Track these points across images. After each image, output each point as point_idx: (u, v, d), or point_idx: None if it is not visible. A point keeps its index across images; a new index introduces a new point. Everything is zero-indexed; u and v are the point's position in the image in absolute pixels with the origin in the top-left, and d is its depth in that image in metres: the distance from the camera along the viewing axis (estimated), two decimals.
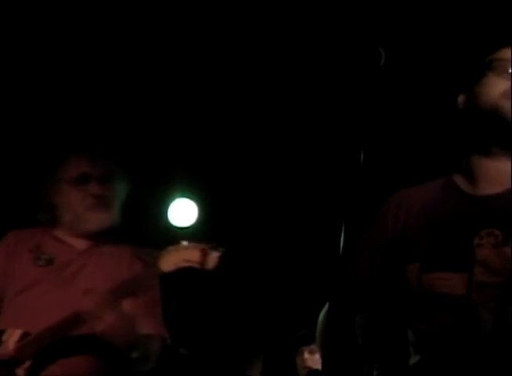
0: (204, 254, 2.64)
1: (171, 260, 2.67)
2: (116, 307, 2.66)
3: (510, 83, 1.92)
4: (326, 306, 2.17)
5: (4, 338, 2.74)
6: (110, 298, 2.65)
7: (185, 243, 2.69)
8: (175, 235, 4.13)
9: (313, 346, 4.05)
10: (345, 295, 1.52)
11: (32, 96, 3.87)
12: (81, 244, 2.93)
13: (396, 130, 3.67)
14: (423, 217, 2.04)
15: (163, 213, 4.24)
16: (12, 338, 2.73)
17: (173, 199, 4.31)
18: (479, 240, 1.94)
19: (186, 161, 4.27)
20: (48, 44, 3.61)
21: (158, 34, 3.58)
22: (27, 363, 2.68)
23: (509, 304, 1.79)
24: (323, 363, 1.56)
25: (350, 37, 2.98)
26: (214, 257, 2.65)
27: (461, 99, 2.09)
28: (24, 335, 2.72)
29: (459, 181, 2.06)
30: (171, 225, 4.30)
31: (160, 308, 2.87)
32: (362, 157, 1.55)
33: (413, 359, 1.98)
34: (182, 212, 4.37)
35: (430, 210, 2.06)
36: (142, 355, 2.77)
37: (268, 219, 4.29)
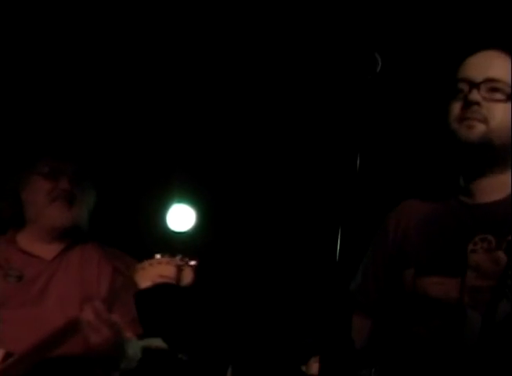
0: (179, 270, 2.62)
1: (147, 276, 2.64)
2: (109, 319, 2.64)
3: (462, 104, 2.00)
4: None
5: None
6: (106, 310, 2.64)
7: (158, 256, 2.66)
8: (173, 240, 4.13)
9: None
10: (342, 300, 1.54)
11: (21, 93, 3.83)
12: (47, 254, 2.89)
13: (393, 135, 3.67)
14: (421, 225, 2.11)
15: (161, 218, 4.23)
16: None
17: (171, 204, 4.31)
18: (473, 245, 2.00)
19: (184, 167, 4.27)
20: (42, 43, 3.60)
21: (156, 38, 3.58)
22: None
23: (497, 304, 1.81)
24: (321, 368, 1.58)
25: (346, 43, 2.99)
26: (188, 273, 2.63)
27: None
28: (7, 355, 2.66)
29: (460, 193, 2.13)
30: (169, 230, 4.30)
31: (132, 305, 2.80)
32: (358, 161, 1.57)
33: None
34: (180, 217, 4.38)
35: (429, 218, 2.12)
36: (127, 364, 2.78)
37: (266, 224, 4.29)
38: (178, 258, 2.67)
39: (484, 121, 2.03)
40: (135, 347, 2.83)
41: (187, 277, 2.63)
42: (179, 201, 4.42)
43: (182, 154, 4.22)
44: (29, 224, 2.96)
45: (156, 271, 2.64)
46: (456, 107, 2.06)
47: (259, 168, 4.19)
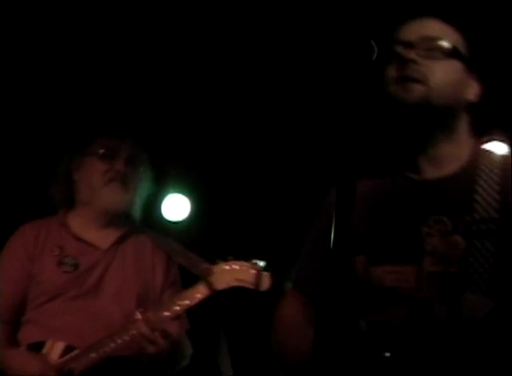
0: (259, 275, 2.62)
1: (225, 279, 2.63)
2: (164, 331, 2.58)
3: (398, 65, 1.86)
4: None
5: (45, 350, 2.64)
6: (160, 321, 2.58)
7: (232, 259, 2.65)
8: (168, 229, 4.13)
9: None
10: (337, 289, 1.49)
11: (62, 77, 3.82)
12: (102, 242, 2.83)
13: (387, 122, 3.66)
14: (369, 206, 1.95)
15: (156, 208, 4.23)
16: (55, 351, 2.63)
17: (166, 194, 4.31)
18: (427, 228, 1.86)
19: (179, 157, 4.27)
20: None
21: (151, 31, 3.57)
22: None
23: (461, 296, 1.74)
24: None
25: (342, 31, 2.97)
26: (267, 278, 2.63)
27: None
28: (67, 349, 2.63)
29: (406, 169, 1.98)
30: (164, 220, 4.30)
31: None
32: (352, 150, 1.53)
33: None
34: (175, 207, 4.38)
35: (376, 199, 1.98)
36: (183, 363, 2.82)
37: (260, 214, 4.29)
38: (255, 262, 2.67)
39: (423, 80, 1.87)
40: (188, 346, 2.85)
41: (266, 282, 2.62)
42: (174, 191, 4.43)
43: (176, 144, 4.22)
44: (81, 206, 2.88)
45: (234, 275, 2.64)
46: (392, 69, 1.90)
47: (254, 158, 4.18)
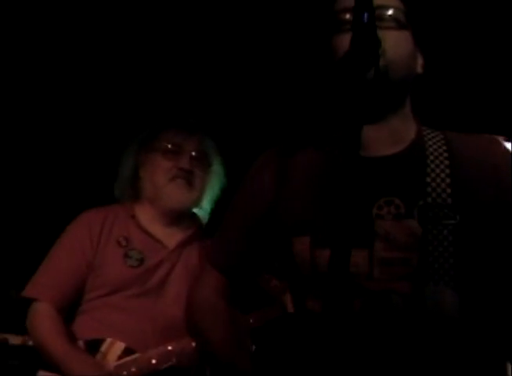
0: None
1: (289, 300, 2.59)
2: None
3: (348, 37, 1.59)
4: None
5: (103, 348, 2.53)
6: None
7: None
8: None
9: None
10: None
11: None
12: (169, 240, 2.73)
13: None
14: (309, 183, 1.84)
15: None
16: (114, 351, 2.53)
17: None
18: (378, 210, 1.76)
19: None
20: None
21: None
22: None
23: (423, 289, 1.66)
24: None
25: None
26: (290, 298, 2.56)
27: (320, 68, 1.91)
28: (126, 350, 2.52)
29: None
30: None
31: None
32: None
33: None
34: None
35: (317, 175, 1.84)
36: None
37: None
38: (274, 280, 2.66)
39: (382, 52, 1.64)
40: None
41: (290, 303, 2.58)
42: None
43: None
44: (146, 202, 2.78)
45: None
46: (345, 40, 1.72)
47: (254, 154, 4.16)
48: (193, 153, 2.75)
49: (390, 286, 1.68)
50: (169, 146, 2.75)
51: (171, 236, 2.75)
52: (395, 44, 1.79)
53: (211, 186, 2.82)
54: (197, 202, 2.78)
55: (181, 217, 2.77)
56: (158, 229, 2.75)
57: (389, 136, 1.82)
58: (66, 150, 3.93)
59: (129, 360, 2.54)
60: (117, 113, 3.88)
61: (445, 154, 1.80)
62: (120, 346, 2.54)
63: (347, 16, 1.79)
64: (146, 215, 2.76)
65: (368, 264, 1.71)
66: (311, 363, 1.68)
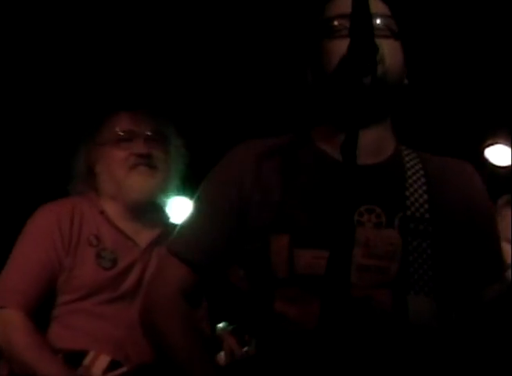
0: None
1: None
2: None
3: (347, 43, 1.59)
4: None
5: (86, 362, 2.36)
6: None
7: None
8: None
9: None
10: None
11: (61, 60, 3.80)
12: (141, 239, 2.56)
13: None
14: (293, 184, 1.81)
15: None
16: (99, 364, 2.36)
17: (170, 197, 4.30)
18: (359, 216, 1.76)
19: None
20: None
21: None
22: None
23: (404, 298, 1.69)
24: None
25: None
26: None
27: (308, 73, 1.92)
28: (112, 364, 2.37)
29: (329, 150, 1.85)
30: None
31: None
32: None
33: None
34: (180, 210, 4.37)
35: (301, 179, 1.83)
36: None
37: None
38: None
39: (381, 58, 1.74)
40: None
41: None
42: (179, 194, 4.41)
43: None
44: (108, 198, 2.60)
45: None
46: (339, 46, 1.77)
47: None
48: (148, 134, 2.57)
49: (369, 293, 1.70)
50: (120, 133, 2.56)
51: (142, 233, 2.58)
52: (391, 52, 1.83)
53: (175, 164, 2.66)
54: (164, 187, 2.62)
55: (149, 209, 2.59)
56: (127, 225, 2.56)
57: (371, 145, 1.83)
58: (9, 147, 3.85)
59: (115, 373, 2.40)
60: (62, 105, 3.80)
61: (422, 172, 1.85)
62: (105, 359, 2.38)
63: (342, 22, 1.80)
64: (113, 210, 2.57)
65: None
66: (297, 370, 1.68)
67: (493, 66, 3.91)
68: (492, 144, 5.00)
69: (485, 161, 4.93)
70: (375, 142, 1.85)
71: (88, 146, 2.64)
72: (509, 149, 5.01)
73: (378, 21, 1.82)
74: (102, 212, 2.57)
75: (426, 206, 1.80)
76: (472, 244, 1.86)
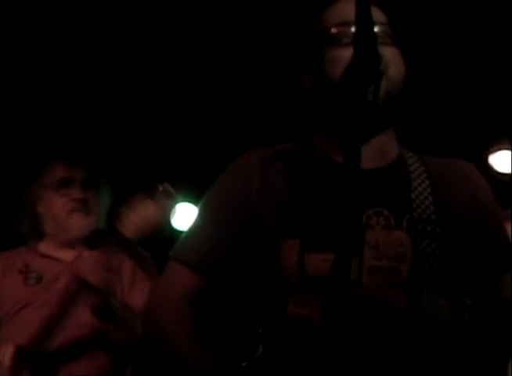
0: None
1: None
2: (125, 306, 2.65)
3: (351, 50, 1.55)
4: None
5: None
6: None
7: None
8: (177, 238, 4.13)
9: None
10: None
11: (14, 100, 3.87)
12: (67, 255, 2.85)
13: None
14: (299, 188, 1.80)
15: None
16: (7, 353, 2.58)
17: (175, 203, 4.32)
18: (367, 219, 1.77)
19: (188, 166, 4.27)
20: (37, 46, 3.65)
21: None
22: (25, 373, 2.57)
23: (418, 299, 1.70)
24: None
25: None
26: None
27: (307, 80, 1.90)
28: (18, 348, 2.59)
29: (333, 154, 1.85)
30: (174, 229, 4.31)
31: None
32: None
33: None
34: (184, 216, 4.39)
35: (307, 182, 1.82)
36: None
37: None
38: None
39: (384, 69, 1.65)
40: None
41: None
42: (183, 200, 4.43)
43: (184, 153, 4.23)
44: (49, 235, 2.93)
45: None
46: (340, 54, 1.76)
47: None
48: (83, 180, 2.89)
49: (381, 293, 1.71)
50: (59, 180, 2.88)
51: (70, 252, 2.86)
52: (394, 60, 1.81)
53: (105, 204, 2.95)
54: (97, 223, 2.90)
55: (84, 240, 2.89)
56: (59, 251, 2.88)
57: (375, 151, 1.85)
58: None
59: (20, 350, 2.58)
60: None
61: (425, 174, 1.86)
62: (10, 347, 2.57)
63: (343, 29, 1.79)
64: (48, 245, 2.90)
65: (357, 271, 1.72)
66: (308, 368, 1.68)
67: (497, 72, 3.92)
68: (495, 151, 5.00)
69: (489, 168, 4.93)
70: (379, 148, 1.86)
71: (30, 189, 2.97)
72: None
73: (377, 29, 1.76)
74: (34, 249, 2.91)
75: (432, 208, 1.82)
76: (480, 240, 1.86)
